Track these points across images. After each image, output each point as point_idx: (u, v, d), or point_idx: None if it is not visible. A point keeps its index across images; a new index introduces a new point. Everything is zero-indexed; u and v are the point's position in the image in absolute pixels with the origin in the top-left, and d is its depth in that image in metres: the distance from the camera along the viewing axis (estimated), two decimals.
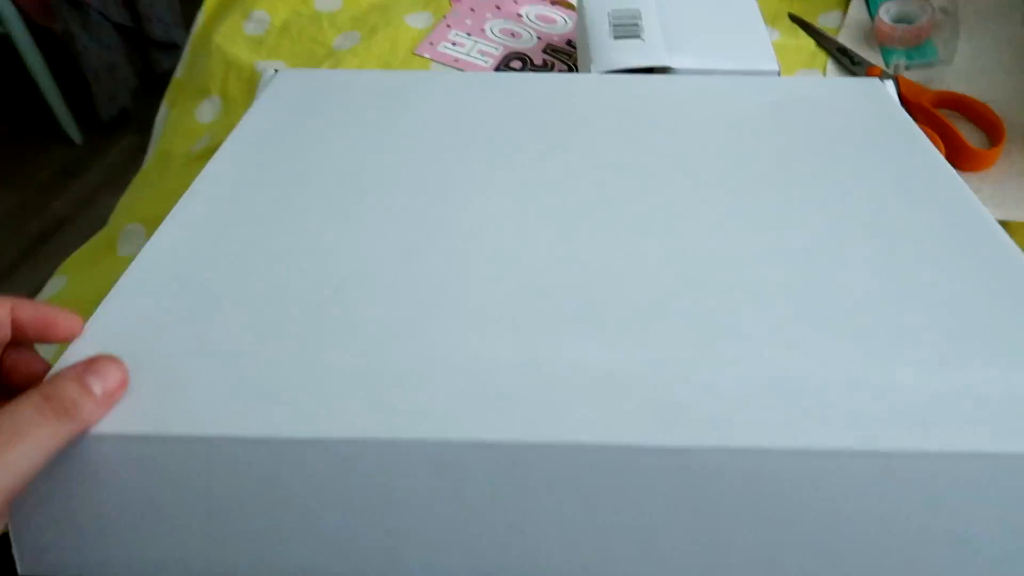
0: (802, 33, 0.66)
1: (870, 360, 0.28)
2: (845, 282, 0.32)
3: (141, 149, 0.66)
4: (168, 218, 0.36)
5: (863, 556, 0.26)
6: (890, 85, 0.46)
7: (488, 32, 0.67)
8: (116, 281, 0.48)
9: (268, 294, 0.31)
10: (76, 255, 0.54)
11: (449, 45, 0.65)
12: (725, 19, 0.55)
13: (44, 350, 0.31)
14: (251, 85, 0.62)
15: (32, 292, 0.53)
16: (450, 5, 0.69)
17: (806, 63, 0.63)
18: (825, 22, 0.67)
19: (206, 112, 0.62)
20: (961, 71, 0.59)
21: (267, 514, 0.26)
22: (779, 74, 0.51)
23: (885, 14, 0.63)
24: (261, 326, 0.30)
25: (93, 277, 0.51)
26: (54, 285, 0.52)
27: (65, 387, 0.25)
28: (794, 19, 0.67)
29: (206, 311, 0.31)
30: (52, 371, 0.27)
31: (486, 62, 0.64)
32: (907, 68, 0.61)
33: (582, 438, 0.25)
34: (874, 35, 0.64)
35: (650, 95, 0.46)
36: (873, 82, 0.46)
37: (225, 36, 0.67)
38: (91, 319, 0.30)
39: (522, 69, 0.63)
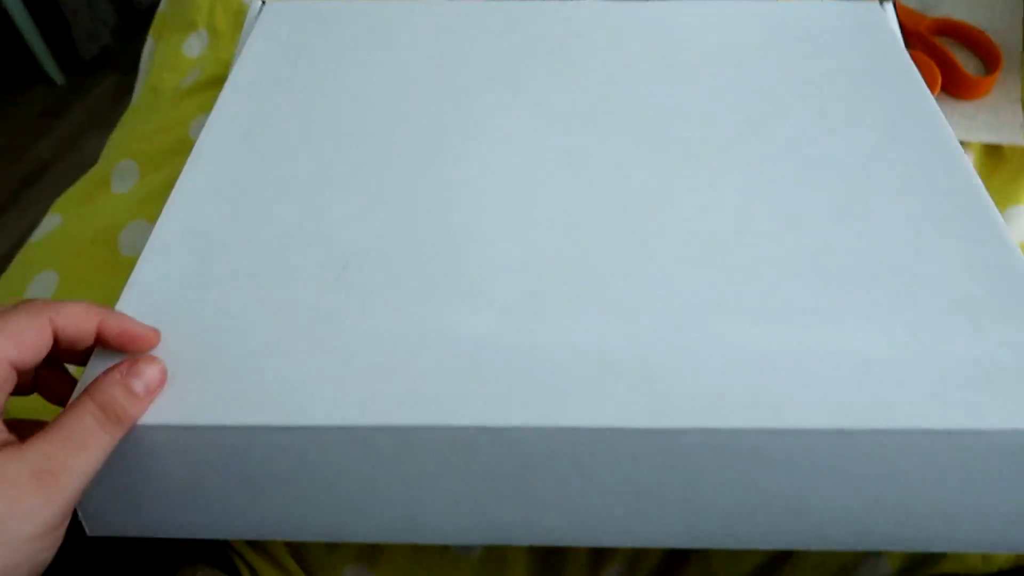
0: None
1: (843, 335, 0.29)
2: (821, 247, 0.32)
3: (124, 89, 0.65)
4: (172, 199, 0.36)
5: (830, 517, 0.28)
6: (889, 8, 0.46)
7: None
8: (110, 218, 0.47)
9: (280, 276, 0.32)
10: (69, 193, 0.53)
11: None
12: None
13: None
14: (239, 18, 0.61)
15: (22, 234, 0.52)
16: None
17: None
18: None
19: (193, 46, 0.61)
20: None
21: (294, 487, 0.29)
22: None
23: None
24: (274, 313, 0.31)
25: (87, 215, 0.51)
26: (48, 223, 0.51)
27: (114, 394, 0.27)
28: None
29: (223, 298, 0.32)
30: (87, 368, 0.29)
31: None
32: None
33: (578, 423, 0.27)
34: None
35: (644, 21, 0.45)
36: (872, 7, 0.46)
37: None
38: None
39: None
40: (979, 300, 0.30)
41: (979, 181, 0.34)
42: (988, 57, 0.54)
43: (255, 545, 0.38)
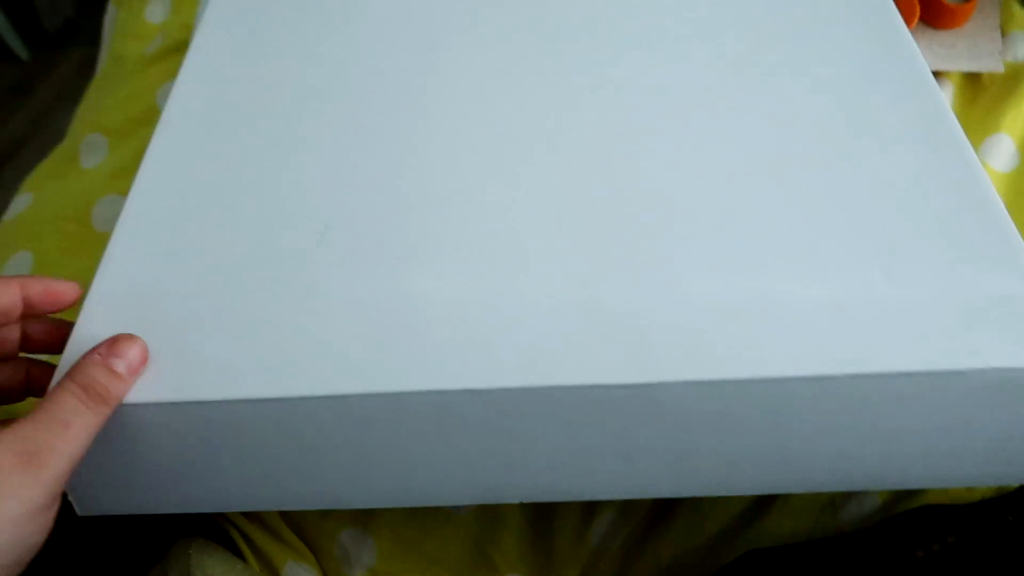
0: None
1: (820, 281, 0.29)
2: (797, 193, 0.32)
3: (92, 62, 0.63)
4: (142, 171, 0.35)
5: (815, 462, 0.28)
6: None
7: None
8: (81, 194, 0.47)
9: (257, 248, 0.32)
10: (38, 170, 0.52)
11: None
12: None
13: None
14: None
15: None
16: None
17: None
18: None
19: (156, 11, 0.60)
20: None
21: (286, 458, 0.29)
22: None
23: None
24: (255, 284, 0.30)
25: (58, 191, 0.50)
26: (20, 203, 0.51)
27: (95, 374, 0.27)
28: None
29: (198, 273, 0.31)
30: (66, 350, 0.29)
31: None
32: None
33: (563, 381, 0.27)
34: None
35: None
36: None
37: None
38: (91, 289, 0.31)
39: None
40: (955, 242, 0.29)
41: (955, 119, 0.34)
42: None
43: (249, 515, 0.39)
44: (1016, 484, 0.28)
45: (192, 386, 0.28)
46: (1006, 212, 0.30)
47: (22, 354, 0.32)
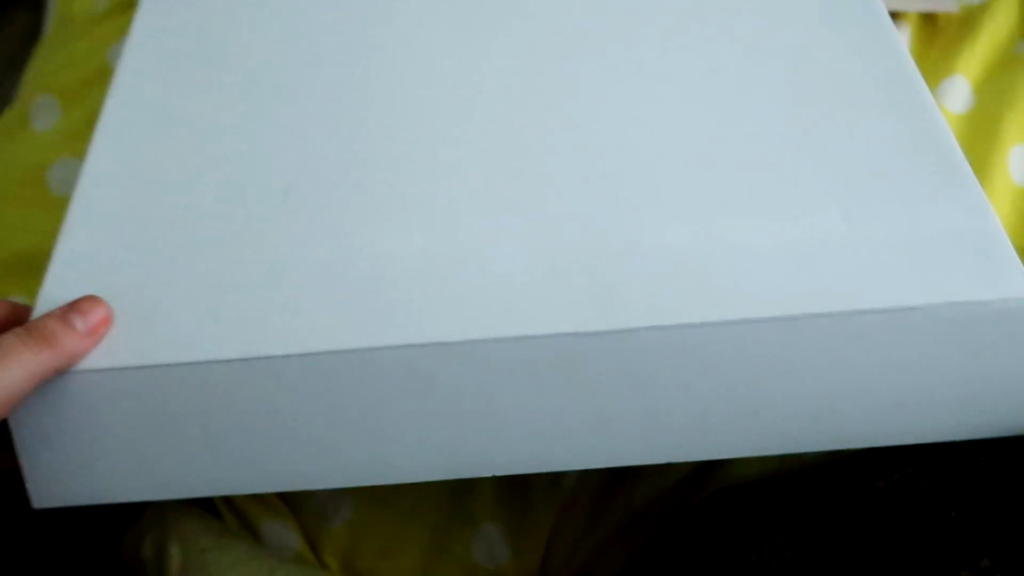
0: None
1: (781, 224, 0.29)
2: (756, 137, 0.32)
3: (37, 28, 0.61)
4: (98, 133, 0.34)
5: (780, 411, 0.28)
6: None
7: None
8: (35, 157, 0.45)
9: (220, 209, 0.31)
10: None
11: None
12: None
13: None
14: None
15: None
16: None
17: None
18: None
19: None
20: None
21: (256, 427, 0.28)
22: None
23: None
24: (219, 245, 0.30)
25: (10, 155, 0.48)
26: None
27: (46, 322, 0.26)
28: None
29: (162, 236, 0.30)
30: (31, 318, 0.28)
31: None
32: None
33: (530, 331, 0.27)
34: None
35: None
36: None
37: None
38: (53, 257, 0.30)
39: None
40: (910, 181, 0.30)
41: (911, 61, 0.34)
42: None
43: None
44: (991, 436, 0.28)
45: (157, 350, 0.27)
46: (960, 151, 0.31)
47: None
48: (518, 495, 0.40)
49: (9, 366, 0.25)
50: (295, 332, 0.27)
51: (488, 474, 0.29)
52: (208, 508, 0.40)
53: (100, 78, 0.49)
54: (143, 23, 0.39)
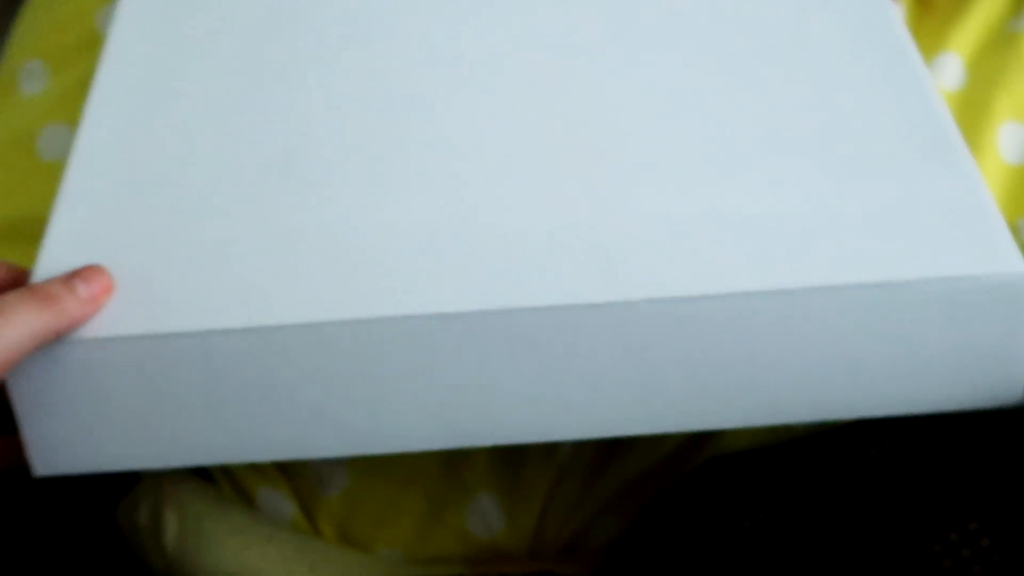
0: None
1: (774, 196, 0.29)
2: (750, 108, 0.32)
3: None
4: (92, 100, 0.34)
5: (774, 382, 0.28)
6: None
7: None
8: (24, 123, 0.45)
9: (219, 179, 0.31)
10: None
11: None
12: None
13: None
14: None
15: None
16: None
17: None
18: None
19: None
20: None
21: (256, 397, 0.28)
22: None
23: None
24: (219, 215, 0.30)
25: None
26: None
27: (49, 284, 0.26)
28: None
29: (160, 205, 0.30)
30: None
31: None
32: None
33: (530, 303, 0.27)
34: None
35: None
36: None
37: None
38: (51, 226, 0.30)
39: None
40: (907, 155, 0.30)
41: (908, 37, 0.34)
42: None
43: None
44: (981, 407, 0.29)
45: (158, 319, 0.27)
46: (954, 126, 0.31)
47: None
48: (512, 464, 0.41)
49: (11, 322, 0.25)
50: (295, 302, 0.27)
51: (486, 444, 0.29)
52: (203, 475, 0.41)
53: (90, 42, 0.48)
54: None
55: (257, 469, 0.40)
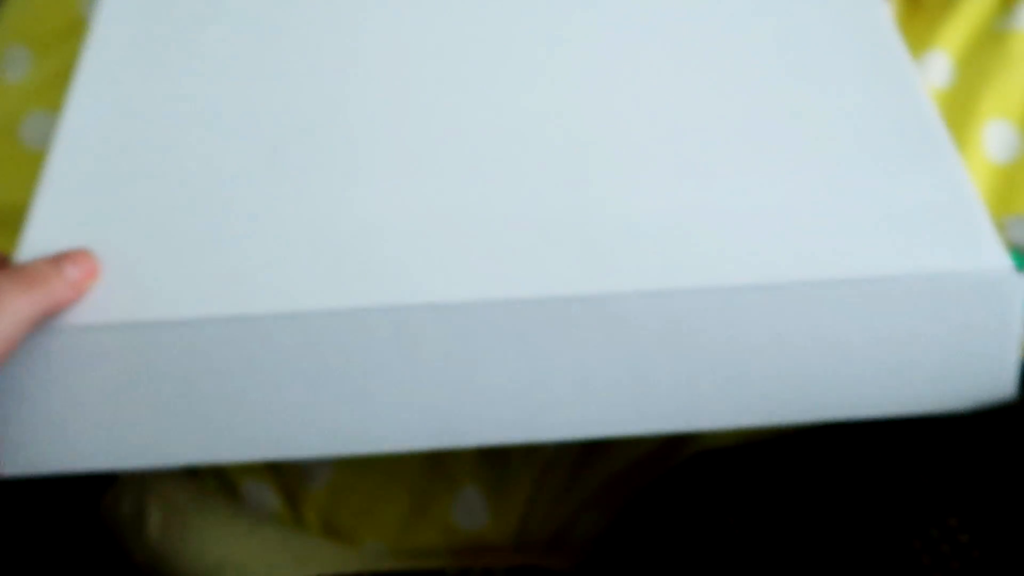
0: None
1: (761, 191, 0.29)
2: (738, 103, 0.32)
3: None
4: (76, 87, 0.33)
5: (762, 380, 0.28)
6: None
7: None
8: (7, 109, 0.44)
9: (205, 167, 0.30)
10: None
11: None
12: None
13: None
14: None
15: None
16: None
17: None
18: None
19: None
20: None
21: (238, 390, 0.27)
22: None
23: None
24: (204, 203, 0.29)
25: None
26: None
27: (38, 265, 0.26)
28: None
29: (145, 192, 0.30)
30: None
31: None
32: None
33: (517, 294, 0.27)
34: None
35: None
36: None
37: None
38: (33, 213, 0.29)
39: None
40: (893, 152, 0.30)
41: (896, 34, 0.34)
42: None
43: None
44: (970, 407, 0.29)
45: (140, 306, 0.27)
46: (941, 124, 0.31)
47: None
48: (497, 457, 0.41)
49: (6, 310, 0.24)
50: (279, 291, 0.27)
51: (471, 444, 0.29)
52: (187, 468, 0.40)
53: (74, 28, 0.47)
54: None
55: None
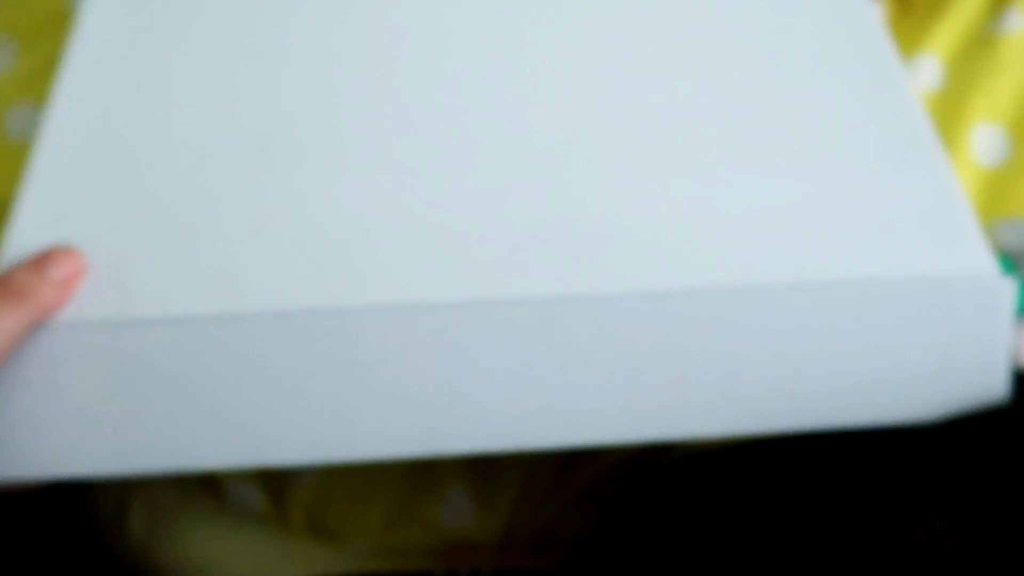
0: None
1: (748, 193, 0.29)
2: (728, 104, 0.32)
3: None
4: (61, 84, 0.33)
5: (754, 385, 0.28)
6: None
7: None
8: None
9: (193, 164, 0.30)
10: None
11: None
12: None
13: None
14: None
15: None
16: None
17: None
18: None
19: None
20: None
21: (224, 393, 0.27)
22: None
23: None
24: (192, 200, 0.29)
25: None
26: None
27: (19, 274, 0.25)
28: None
29: (132, 189, 0.29)
30: None
31: None
32: None
33: (508, 294, 0.27)
34: None
35: None
36: None
37: None
38: (18, 209, 0.29)
39: None
40: (881, 156, 0.30)
41: (886, 37, 0.35)
42: None
43: None
44: (957, 411, 0.29)
45: (125, 305, 0.26)
46: (930, 128, 0.31)
47: None
48: (485, 459, 0.40)
49: None
50: (267, 290, 0.27)
51: (460, 451, 0.28)
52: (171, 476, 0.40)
53: (59, 18, 0.47)
54: None
55: None
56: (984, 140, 0.44)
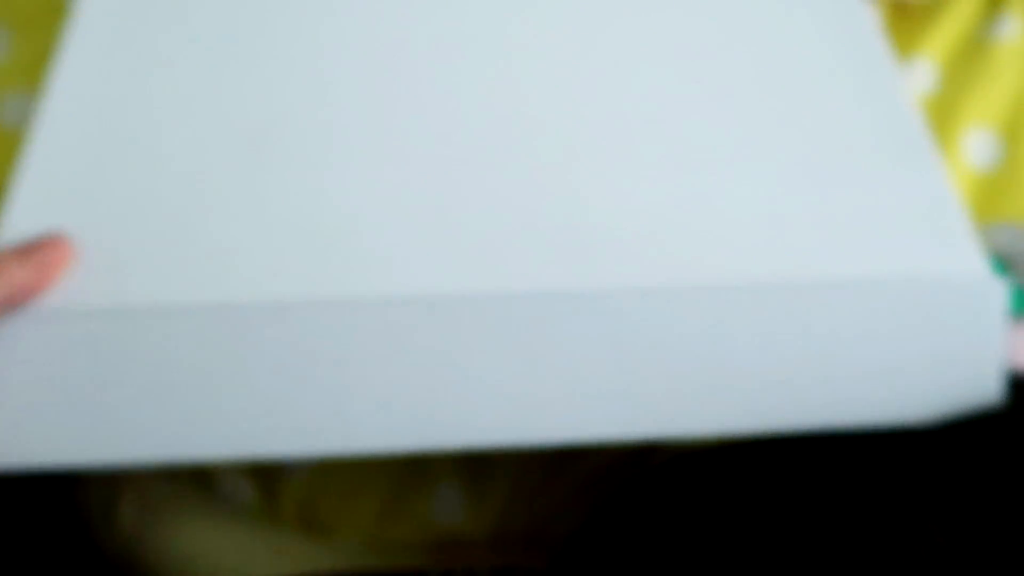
0: None
1: (741, 194, 0.29)
2: (726, 103, 0.32)
3: None
4: (57, 72, 0.33)
5: (749, 384, 0.28)
6: None
7: None
8: None
9: (187, 153, 0.30)
10: None
11: None
12: None
13: None
14: None
15: None
16: None
17: None
18: None
19: None
20: None
21: (216, 383, 0.26)
22: None
23: None
24: (186, 189, 0.29)
25: None
26: None
27: (2, 260, 0.25)
28: None
29: (126, 177, 0.29)
30: None
31: None
32: None
33: (506, 288, 0.27)
34: None
35: None
36: None
37: None
38: (12, 196, 0.29)
39: None
40: (875, 158, 0.31)
41: (881, 40, 0.35)
42: None
43: None
44: (953, 413, 0.29)
45: (121, 293, 0.26)
46: (923, 130, 0.32)
47: None
48: (478, 454, 0.40)
49: None
50: (260, 282, 0.27)
51: (452, 446, 0.28)
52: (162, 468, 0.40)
53: (53, 8, 0.46)
54: None
55: None
56: (977, 143, 0.45)
